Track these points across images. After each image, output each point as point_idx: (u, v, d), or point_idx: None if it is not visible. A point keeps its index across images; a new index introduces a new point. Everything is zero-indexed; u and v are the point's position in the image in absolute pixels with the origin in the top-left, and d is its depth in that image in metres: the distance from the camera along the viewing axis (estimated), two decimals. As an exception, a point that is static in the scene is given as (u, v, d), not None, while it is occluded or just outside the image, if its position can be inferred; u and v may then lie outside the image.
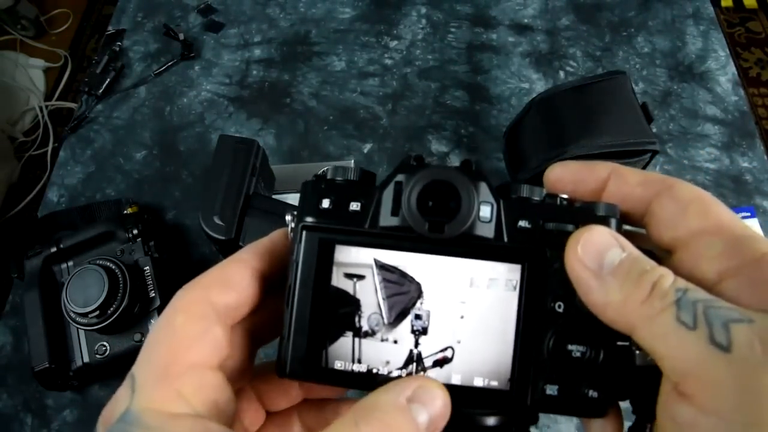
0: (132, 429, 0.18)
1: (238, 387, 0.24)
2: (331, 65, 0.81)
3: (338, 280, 0.22)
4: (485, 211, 0.21)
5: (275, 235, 0.24)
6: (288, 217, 0.23)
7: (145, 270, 0.57)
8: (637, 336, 0.18)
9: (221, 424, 0.19)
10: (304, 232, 0.22)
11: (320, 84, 0.79)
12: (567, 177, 0.23)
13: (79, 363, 0.55)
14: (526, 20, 0.83)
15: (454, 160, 0.71)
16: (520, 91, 0.77)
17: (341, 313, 0.22)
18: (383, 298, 0.22)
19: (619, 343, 0.21)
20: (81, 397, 0.60)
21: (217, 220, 0.53)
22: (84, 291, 0.52)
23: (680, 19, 0.83)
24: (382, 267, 0.22)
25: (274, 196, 0.61)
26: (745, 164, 0.71)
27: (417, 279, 0.22)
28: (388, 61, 0.80)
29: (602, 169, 0.23)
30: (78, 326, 0.54)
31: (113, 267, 0.54)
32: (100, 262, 0.54)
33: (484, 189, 0.21)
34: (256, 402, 0.25)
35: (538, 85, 0.77)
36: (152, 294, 0.56)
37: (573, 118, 0.60)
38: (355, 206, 0.22)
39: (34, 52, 1.76)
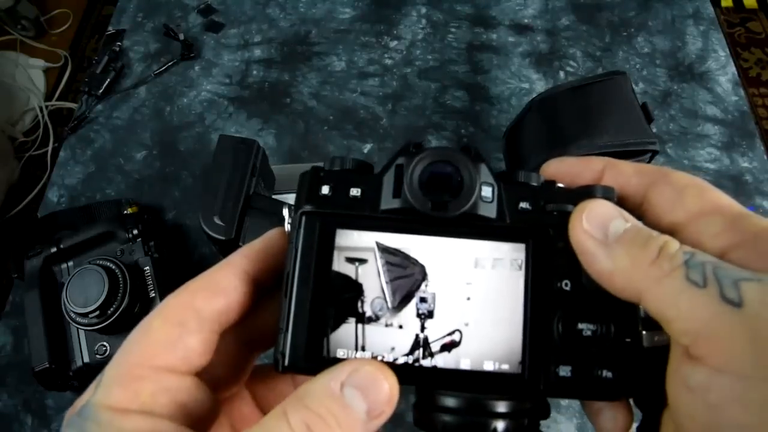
0: (86, 423, 0.18)
1: (229, 392, 0.23)
2: (331, 65, 0.81)
3: (339, 265, 0.21)
4: (487, 191, 0.21)
5: (270, 236, 0.23)
6: (285, 211, 0.22)
7: (145, 270, 0.57)
8: (646, 301, 0.18)
9: (184, 426, 0.19)
10: (303, 218, 0.21)
11: (320, 84, 0.79)
12: (563, 171, 0.24)
13: (79, 363, 0.55)
14: (526, 20, 0.83)
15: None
16: (520, 91, 0.77)
17: (343, 299, 0.21)
18: (386, 282, 0.21)
19: (628, 320, 0.21)
20: (81, 397, 0.60)
21: (217, 220, 0.53)
22: (84, 291, 0.52)
23: (680, 19, 0.83)
24: (384, 250, 0.21)
25: (274, 196, 0.61)
26: (745, 164, 0.71)
27: (421, 261, 0.21)
28: (388, 61, 0.80)
29: (597, 162, 0.23)
30: (78, 326, 0.54)
31: (113, 267, 0.54)
32: (100, 262, 0.54)
33: (484, 170, 0.21)
34: (251, 404, 0.24)
35: (538, 85, 0.77)
36: (152, 294, 0.56)
37: (573, 118, 0.60)
38: (355, 192, 0.22)
39: (34, 52, 1.76)
